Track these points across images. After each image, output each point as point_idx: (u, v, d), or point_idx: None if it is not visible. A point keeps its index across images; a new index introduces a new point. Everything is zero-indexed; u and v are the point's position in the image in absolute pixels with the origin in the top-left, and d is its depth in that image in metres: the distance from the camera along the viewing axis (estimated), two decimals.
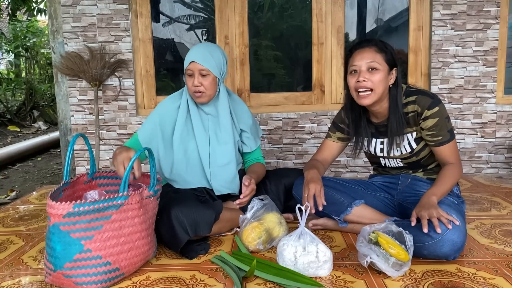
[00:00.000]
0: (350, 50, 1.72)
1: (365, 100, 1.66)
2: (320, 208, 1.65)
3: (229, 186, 1.96)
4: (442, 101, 2.10)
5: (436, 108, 1.63)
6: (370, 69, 1.64)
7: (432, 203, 1.54)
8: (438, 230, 1.45)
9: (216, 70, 1.87)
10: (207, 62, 1.84)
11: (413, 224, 1.53)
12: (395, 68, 1.68)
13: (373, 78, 1.63)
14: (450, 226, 1.46)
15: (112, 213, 1.40)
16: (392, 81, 1.69)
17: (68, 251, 1.35)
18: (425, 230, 1.46)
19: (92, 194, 1.58)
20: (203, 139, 1.94)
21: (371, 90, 1.64)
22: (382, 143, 1.80)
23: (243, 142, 2.07)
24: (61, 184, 1.56)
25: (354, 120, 1.82)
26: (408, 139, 1.75)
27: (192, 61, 1.84)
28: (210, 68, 1.84)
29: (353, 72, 1.68)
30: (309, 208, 1.53)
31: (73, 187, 1.64)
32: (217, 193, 1.95)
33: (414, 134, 1.73)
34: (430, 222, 1.51)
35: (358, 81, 1.64)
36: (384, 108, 1.73)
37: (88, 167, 2.30)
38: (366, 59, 1.64)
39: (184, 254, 1.65)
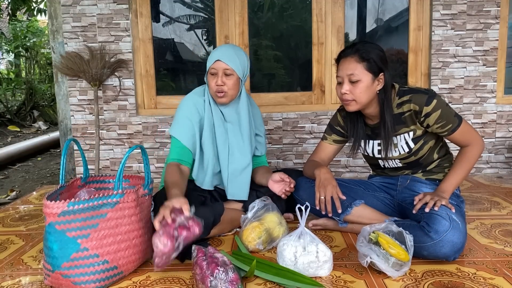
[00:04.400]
0: (337, 57, 1.73)
1: (350, 107, 1.71)
2: (339, 211, 1.69)
3: (242, 192, 1.95)
4: None
5: (434, 101, 1.63)
6: (351, 81, 1.65)
7: (441, 194, 1.63)
8: (426, 210, 1.55)
9: (240, 70, 1.86)
10: (232, 62, 1.83)
11: (414, 211, 1.62)
12: (382, 73, 1.67)
13: (354, 90, 1.65)
14: (453, 209, 1.55)
15: (108, 211, 1.41)
16: (380, 86, 1.68)
17: (65, 250, 1.35)
18: (419, 208, 1.62)
19: (82, 194, 1.59)
20: (223, 141, 1.93)
21: (354, 100, 1.67)
22: (379, 144, 1.80)
23: (255, 146, 2.08)
24: (58, 188, 1.56)
25: (351, 122, 1.83)
26: (405, 139, 1.75)
27: (218, 60, 1.83)
28: (234, 68, 1.84)
29: (338, 82, 1.71)
30: (309, 208, 1.54)
31: (68, 191, 1.64)
32: (229, 197, 1.95)
33: (412, 133, 1.73)
34: (428, 223, 1.52)
35: (341, 93, 1.68)
36: (376, 112, 1.74)
37: (89, 167, 2.28)
38: (347, 70, 1.65)
39: (184, 257, 1.64)
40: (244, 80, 1.93)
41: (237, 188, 1.95)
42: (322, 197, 1.68)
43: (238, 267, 1.48)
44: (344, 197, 1.69)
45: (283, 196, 1.86)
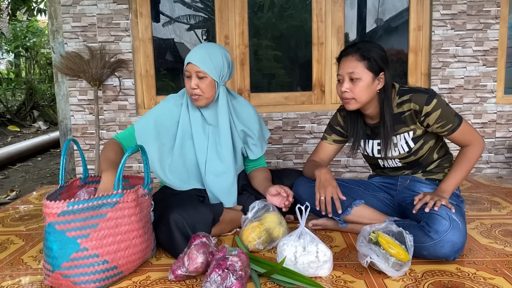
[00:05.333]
0: (338, 56, 1.73)
1: (350, 106, 1.70)
2: (340, 212, 1.69)
3: (224, 197, 1.90)
4: None
5: (434, 101, 1.63)
6: (352, 79, 1.65)
7: (441, 194, 1.62)
8: (426, 210, 1.55)
9: (214, 73, 1.79)
10: (204, 64, 1.77)
11: (414, 211, 1.61)
12: (382, 72, 1.67)
13: (354, 89, 1.65)
14: (453, 209, 1.55)
15: (107, 211, 1.41)
16: (380, 86, 1.68)
17: (65, 250, 1.35)
18: (419, 208, 1.61)
19: (82, 194, 1.59)
20: (202, 144, 1.88)
21: (354, 98, 1.66)
22: (379, 144, 1.80)
23: (249, 148, 2.01)
24: (58, 188, 1.56)
25: (351, 121, 1.83)
26: (405, 139, 1.75)
27: (189, 63, 1.79)
28: (207, 71, 1.78)
29: (339, 80, 1.70)
30: (309, 208, 1.54)
31: (68, 191, 1.64)
32: (211, 202, 1.90)
33: (411, 133, 1.73)
34: (428, 223, 1.53)
35: (341, 91, 1.68)
36: (376, 111, 1.74)
37: (89, 167, 2.30)
38: (347, 68, 1.65)
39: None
40: (222, 81, 1.85)
41: (218, 194, 1.89)
42: (322, 198, 1.69)
43: (255, 270, 1.47)
44: (344, 198, 1.69)
45: (284, 209, 1.83)
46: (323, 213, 1.72)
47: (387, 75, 1.67)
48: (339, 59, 1.72)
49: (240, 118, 1.98)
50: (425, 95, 1.64)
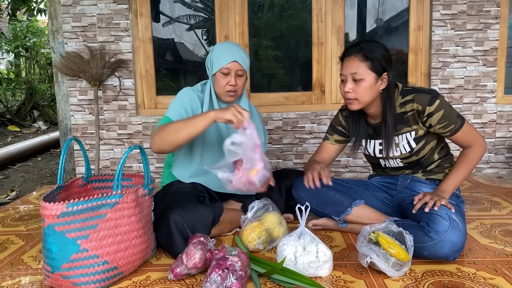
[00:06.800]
0: (341, 56, 1.73)
1: (352, 106, 1.71)
2: (330, 183, 1.71)
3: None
4: None
5: (437, 101, 1.63)
6: (355, 80, 1.65)
7: (441, 194, 1.63)
8: (426, 210, 1.55)
9: (247, 70, 1.94)
10: (245, 63, 1.90)
11: (414, 211, 1.62)
12: (385, 73, 1.67)
13: (357, 89, 1.65)
14: (453, 209, 1.55)
15: (107, 212, 1.40)
16: (383, 86, 1.68)
17: (65, 251, 1.35)
18: (419, 208, 1.62)
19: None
20: (214, 138, 1.93)
21: (357, 99, 1.67)
22: (381, 144, 1.80)
23: None
24: (55, 188, 1.54)
25: (353, 120, 1.83)
26: (407, 139, 1.75)
27: (234, 61, 1.86)
28: (246, 69, 1.91)
29: (342, 80, 1.71)
30: (309, 208, 1.53)
31: (67, 190, 1.63)
32: (214, 189, 1.93)
33: (414, 133, 1.73)
34: (428, 223, 1.52)
35: (344, 91, 1.68)
36: (378, 111, 1.74)
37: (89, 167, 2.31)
38: (350, 69, 1.65)
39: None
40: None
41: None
42: (310, 173, 1.73)
43: (255, 270, 1.47)
44: (331, 183, 1.71)
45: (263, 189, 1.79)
46: (311, 187, 1.72)
47: (390, 75, 1.67)
48: (342, 59, 1.72)
49: None
50: (428, 96, 1.64)
